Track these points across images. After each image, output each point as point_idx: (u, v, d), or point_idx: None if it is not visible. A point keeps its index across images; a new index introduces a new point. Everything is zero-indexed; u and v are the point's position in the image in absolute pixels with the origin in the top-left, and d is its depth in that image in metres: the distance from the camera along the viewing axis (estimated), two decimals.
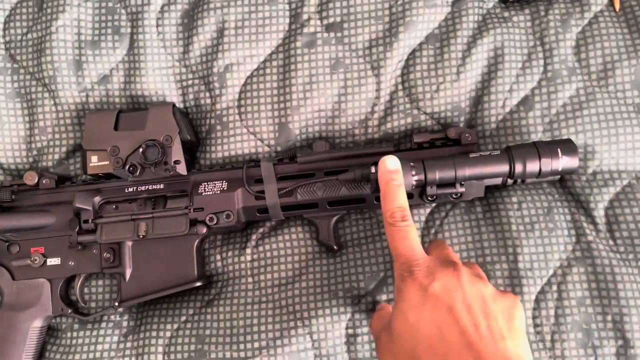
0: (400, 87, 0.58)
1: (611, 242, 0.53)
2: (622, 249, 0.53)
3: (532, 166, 0.49)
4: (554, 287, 0.52)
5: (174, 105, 0.56)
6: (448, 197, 0.53)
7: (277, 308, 0.55)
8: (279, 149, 0.59)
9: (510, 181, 0.52)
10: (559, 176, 0.53)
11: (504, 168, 0.50)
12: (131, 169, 0.54)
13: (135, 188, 0.56)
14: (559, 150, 0.49)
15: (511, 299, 0.42)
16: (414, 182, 0.50)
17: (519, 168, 0.49)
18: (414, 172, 0.50)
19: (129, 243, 0.55)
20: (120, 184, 0.56)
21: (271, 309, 0.55)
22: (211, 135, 0.59)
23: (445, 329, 0.39)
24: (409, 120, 0.57)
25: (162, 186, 0.56)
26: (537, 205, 0.54)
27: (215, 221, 0.54)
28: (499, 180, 0.53)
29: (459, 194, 0.52)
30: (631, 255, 0.52)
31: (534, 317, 0.52)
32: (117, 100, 0.60)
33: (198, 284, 0.55)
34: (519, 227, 0.53)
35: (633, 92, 0.55)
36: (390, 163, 0.47)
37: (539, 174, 0.50)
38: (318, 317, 0.53)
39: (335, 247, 0.56)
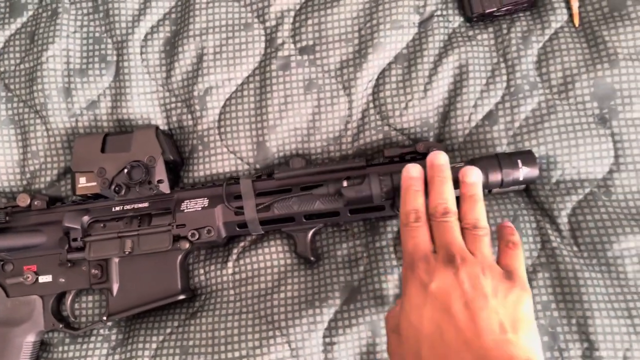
0: (371, 105, 0.61)
1: (575, 248, 0.55)
2: (585, 254, 0.54)
3: (494, 177, 0.52)
4: None
5: (157, 127, 0.60)
6: None
7: (257, 318, 0.57)
8: (257, 166, 0.62)
9: None
10: (524, 185, 0.56)
11: None
12: (117, 189, 0.58)
13: (121, 207, 0.59)
14: (519, 161, 0.52)
15: (517, 292, 0.42)
16: (383, 194, 0.53)
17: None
18: (382, 185, 0.52)
19: (116, 259, 0.58)
20: (108, 204, 0.59)
21: (251, 319, 0.57)
22: (193, 155, 0.62)
23: (445, 329, 0.40)
24: (381, 136, 0.60)
25: (147, 204, 0.59)
26: (504, 214, 0.57)
27: (197, 237, 0.56)
28: None
29: None
30: (594, 260, 0.54)
31: None
32: (104, 124, 0.64)
33: (182, 297, 0.58)
34: None
35: (593, 103, 0.57)
36: (413, 171, 0.49)
37: (502, 184, 0.52)
38: (295, 326, 0.56)
39: (312, 259, 0.58)
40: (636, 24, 0.57)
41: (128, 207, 0.59)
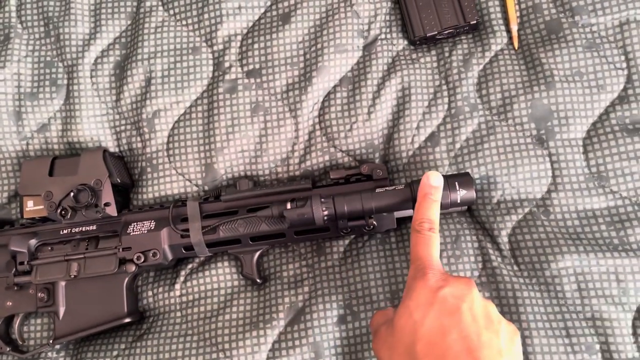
0: (317, 127, 0.62)
1: (515, 267, 0.56)
2: (525, 273, 0.55)
3: None
4: None
5: (105, 150, 0.60)
6: (362, 229, 0.56)
7: (202, 340, 0.58)
8: (206, 188, 0.62)
9: None
10: (465, 206, 0.57)
11: (407, 201, 0.53)
12: (62, 212, 0.58)
13: (69, 230, 0.59)
14: (456, 183, 0.53)
15: (514, 328, 0.44)
16: (325, 216, 0.53)
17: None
18: (324, 208, 0.53)
19: (62, 283, 0.58)
20: (56, 227, 0.60)
21: (196, 341, 0.58)
22: (142, 177, 0.63)
23: (448, 331, 0.41)
24: (327, 157, 0.61)
25: (94, 227, 0.59)
26: (446, 234, 0.57)
27: (142, 259, 0.57)
28: (409, 212, 0.56)
29: (371, 226, 0.55)
30: (534, 279, 0.55)
31: None
32: (55, 147, 0.65)
33: (128, 320, 0.58)
34: None
35: (530, 124, 0.58)
36: (435, 179, 0.50)
37: (440, 206, 0.53)
38: (239, 347, 0.56)
39: (258, 281, 0.59)
40: (571, 46, 0.58)
41: (76, 230, 0.59)
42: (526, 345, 0.52)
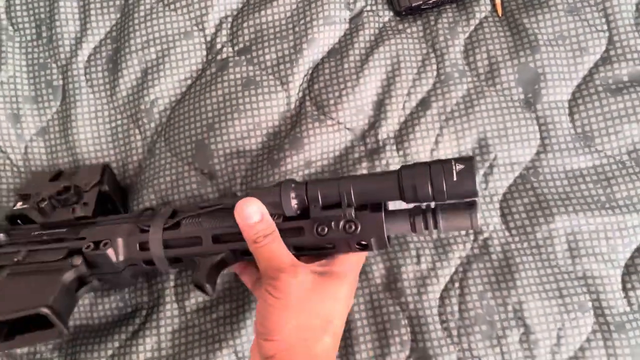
0: (307, 97, 0.62)
1: (507, 233, 0.56)
2: (516, 238, 0.56)
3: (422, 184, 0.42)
4: (456, 284, 0.55)
5: (107, 165, 0.61)
6: (343, 229, 0.45)
7: (203, 332, 0.57)
8: (197, 165, 0.61)
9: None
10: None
11: (392, 188, 0.44)
12: (39, 202, 0.54)
13: (40, 232, 0.55)
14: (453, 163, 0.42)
15: None
16: (295, 203, 0.46)
17: (407, 182, 0.43)
18: (294, 194, 0.46)
19: (7, 271, 0.52)
20: (30, 227, 0.56)
21: (197, 333, 0.56)
22: (141, 169, 0.63)
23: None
24: (317, 124, 0.61)
25: (64, 230, 0.55)
26: None
27: (92, 248, 0.50)
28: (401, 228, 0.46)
29: (352, 227, 0.45)
30: (525, 243, 0.55)
31: (440, 314, 0.54)
32: (57, 149, 0.64)
33: (45, 311, 0.47)
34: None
35: (518, 89, 0.59)
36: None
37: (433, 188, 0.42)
38: (242, 336, 0.56)
39: (208, 292, 0.48)
40: (554, 11, 0.60)
41: (44, 232, 0.55)
42: (523, 311, 0.53)
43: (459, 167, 0.42)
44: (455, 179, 0.41)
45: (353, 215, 0.44)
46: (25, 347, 0.55)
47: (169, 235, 0.49)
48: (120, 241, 0.50)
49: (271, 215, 0.46)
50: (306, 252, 0.47)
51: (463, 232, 0.57)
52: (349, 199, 0.44)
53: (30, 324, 0.48)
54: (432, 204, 0.44)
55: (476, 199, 0.43)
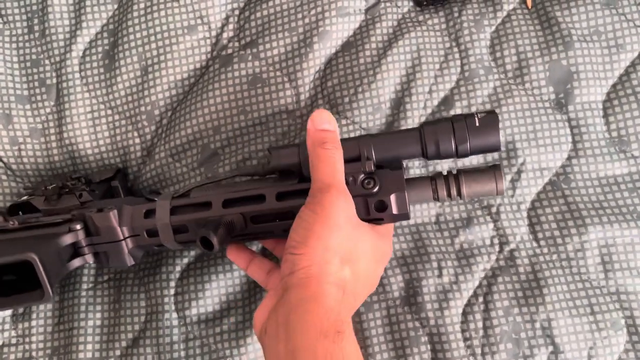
0: (320, 95, 0.58)
1: (534, 244, 0.53)
2: (545, 250, 0.53)
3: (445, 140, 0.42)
4: (481, 299, 0.52)
5: (120, 169, 0.58)
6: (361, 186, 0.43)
7: (205, 346, 0.53)
8: (202, 169, 0.57)
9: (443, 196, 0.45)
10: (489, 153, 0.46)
11: (414, 144, 0.43)
12: (45, 188, 0.53)
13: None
14: (476, 117, 0.42)
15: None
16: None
17: (430, 138, 0.42)
18: None
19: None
20: (29, 215, 0.54)
21: (199, 347, 0.53)
22: (142, 171, 0.60)
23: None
24: None
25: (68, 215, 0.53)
26: (456, 217, 0.55)
27: (94, 211, 0.48)
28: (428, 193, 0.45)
29: (370, 182, 0.43)
30: (555, 255, 0.53)
31: (462, 331, 0.51)
32: (54, 151, 0.60)
33: (30, 256, 0.45)
34: (438, 242, 0.53)
35: (549, 88, 0.55)
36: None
37: (456, 142, 0.42)
38: (248, 352, 0.53)
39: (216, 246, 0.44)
40: (589, 4, 0.56)
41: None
42: (552, 329, 0.50)
43: (482, 115, 0.42)
44: (478, 125, 0.41)
45: (373, 168, 0.43)
46: (10, 309, 0.53)
47: (178, 202, 0.47)
48: (126, 208, 0.49)
49: (290, 175, 0.45)
50: None
51: (487, 242, 0.54)
52: (369, 153, 0.43)
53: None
54: (454, 170, 0.44)
55: (498, 163, 0.43)
